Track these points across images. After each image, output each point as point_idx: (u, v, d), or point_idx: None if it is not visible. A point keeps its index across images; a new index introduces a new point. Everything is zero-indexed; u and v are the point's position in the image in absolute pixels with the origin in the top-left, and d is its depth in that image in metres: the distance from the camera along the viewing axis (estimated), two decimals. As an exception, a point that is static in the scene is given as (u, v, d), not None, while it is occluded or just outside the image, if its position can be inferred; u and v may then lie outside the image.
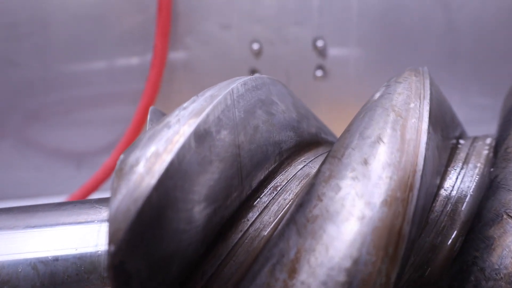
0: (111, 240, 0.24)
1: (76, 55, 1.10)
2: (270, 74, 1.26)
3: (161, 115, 0.50)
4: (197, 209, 0.30)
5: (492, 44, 1.18)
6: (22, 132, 1.14)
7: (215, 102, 0.33)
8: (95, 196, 1.09)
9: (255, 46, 1.13)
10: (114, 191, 0.26)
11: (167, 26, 1.07)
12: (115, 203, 0.25)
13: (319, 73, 1.16)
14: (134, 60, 1.12)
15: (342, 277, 0.26)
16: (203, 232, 0.31)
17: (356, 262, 0.26)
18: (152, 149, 0.28)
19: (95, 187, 1.11)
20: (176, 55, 1.11)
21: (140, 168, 0.27)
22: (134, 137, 1.12)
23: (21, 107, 1.12)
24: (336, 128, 0.70)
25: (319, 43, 1.14)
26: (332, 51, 1.14)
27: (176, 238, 0.28)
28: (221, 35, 1.11)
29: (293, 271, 0.28)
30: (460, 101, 1.21)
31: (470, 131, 0.56)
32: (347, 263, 0.27)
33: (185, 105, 0.33)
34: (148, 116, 0.47)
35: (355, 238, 0.27)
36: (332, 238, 0.28)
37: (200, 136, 0.30)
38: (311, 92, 1.18)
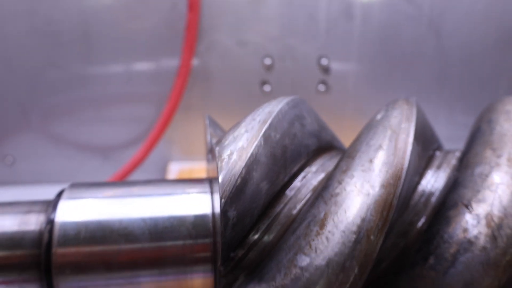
0: (221, 196, 0.41)
1: (109, 61, 1.21)
2: (279, 87, 1.37)
3: (214, 122, 0.66)
4: (262, 184, 0.47)
5: (477, 68, 1.29)
6: (57, 125, 1.25)
7: (273, 115, 0.50)
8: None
9: (267, 61, 1.25)
10: (220, 169, 0.43)
11: (193, 41, 1.20)
12: (221, 176, 0.42)
13: (321, 87, 1.28)
14: (159, 68, 1.24)
15: (355, 228, 0.43)
16: (264, 199, 0.47)
17: (363, 220, 0.43)
18: (240, 145, 0.45)
19: (122, 178, 1.24)
20: (196, 65, 1.23)
21: (234, 156, 0.44)
22: (159, 135, 1.25)
23: (57, 104, 1.23)
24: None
25: (323, 61, 1.25)
26: (334, 69, 1.26)
27: (251, 200, 0.45)
28: (237, 50, 1.23)
29: (323, 225, 0.45)
30: (446, 120, 1.34)
31: (454, 146, 0.69)
32: (358, 221, 0.43)
33: (254, 117, 0.50)
34: (207, 122, 0.63)
35: (363, 206, 0.44)
36: (348, 206, 0.45)
37: (266, 137, 0.47)
38: (314, 104, 1.30)
